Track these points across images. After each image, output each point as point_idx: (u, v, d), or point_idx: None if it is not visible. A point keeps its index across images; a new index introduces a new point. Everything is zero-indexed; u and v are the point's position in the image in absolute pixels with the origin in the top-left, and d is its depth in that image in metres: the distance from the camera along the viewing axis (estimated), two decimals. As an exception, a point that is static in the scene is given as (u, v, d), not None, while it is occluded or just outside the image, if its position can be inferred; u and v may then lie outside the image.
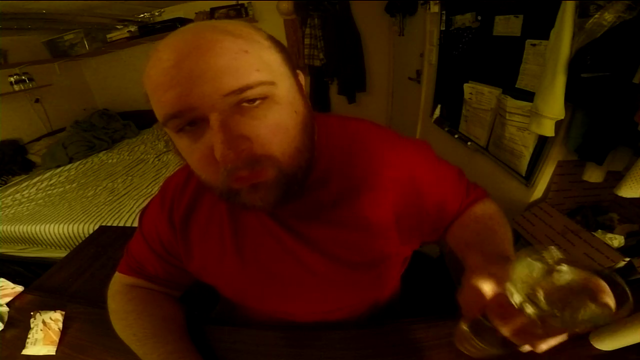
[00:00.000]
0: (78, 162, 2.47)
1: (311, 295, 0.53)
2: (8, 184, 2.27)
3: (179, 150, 0.39)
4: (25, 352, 0.57)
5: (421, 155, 0.52)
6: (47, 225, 1.61)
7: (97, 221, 1.57)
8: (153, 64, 0.34)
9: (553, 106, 0.88)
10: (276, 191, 0.37)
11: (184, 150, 0.37)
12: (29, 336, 0.58)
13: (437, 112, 1.80)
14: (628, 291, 0.26)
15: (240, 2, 2.61)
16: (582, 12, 0.79)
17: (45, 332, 0.58)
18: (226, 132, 0.33)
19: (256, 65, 0.34)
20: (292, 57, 0.42)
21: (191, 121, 0.34)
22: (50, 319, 0.61)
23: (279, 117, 0.36)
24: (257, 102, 0.34)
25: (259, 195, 0.37)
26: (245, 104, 0.34)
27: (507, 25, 1.14)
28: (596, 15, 0.74)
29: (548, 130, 0.93)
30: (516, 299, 0.27)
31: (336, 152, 0.47)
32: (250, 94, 0.33)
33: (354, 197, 0.47)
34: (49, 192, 2.05)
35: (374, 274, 0.52)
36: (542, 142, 1.05)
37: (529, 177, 1.12)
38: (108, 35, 2.76)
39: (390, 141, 0.50)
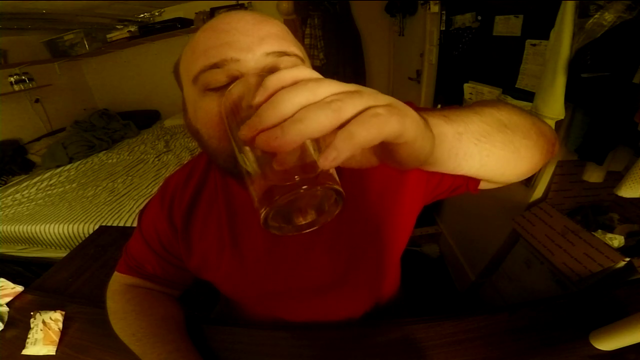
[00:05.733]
0: (78, 162, 2.46)
1: (310, 287, 0.53)
2: (8, 184, 2.26)
3: (196, 114, 0.39)
4: (25, 352, 0.57)
5: None
6: (47, 225, 1.61)
7: (97, 221, 1.56)
8: (204, 29, 0.38)
9: (553, 106, 0.88)
10: None
11: (206, 108, 0.37)
12: (29, 336, 0.58)
13: (437, 112, 1.80)
14: None
15: (240, 2, 2.61)
16: (582, 12, 0.79)
17: (45, 332, 0.58)
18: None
19: (294, 43, 0.40)
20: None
21: (227, 76, 0.36)
22: (50, 319, 0.61)
23: None
24: None
25: None
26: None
27: (507, 25, 1.14)
28: (596, 15, 0.74)
29: (548, 130, 0.92)
30: None
31: None
32: (287, 60, 0.37)
33: (347, 177, 0.47)
34: (49, 192, 2.05)
35: (374, 250, 0.52)
36: (542, 142, 1.05)
37: (529, 177, 1.12)
38: (108, 35, 2.76)
39: None
